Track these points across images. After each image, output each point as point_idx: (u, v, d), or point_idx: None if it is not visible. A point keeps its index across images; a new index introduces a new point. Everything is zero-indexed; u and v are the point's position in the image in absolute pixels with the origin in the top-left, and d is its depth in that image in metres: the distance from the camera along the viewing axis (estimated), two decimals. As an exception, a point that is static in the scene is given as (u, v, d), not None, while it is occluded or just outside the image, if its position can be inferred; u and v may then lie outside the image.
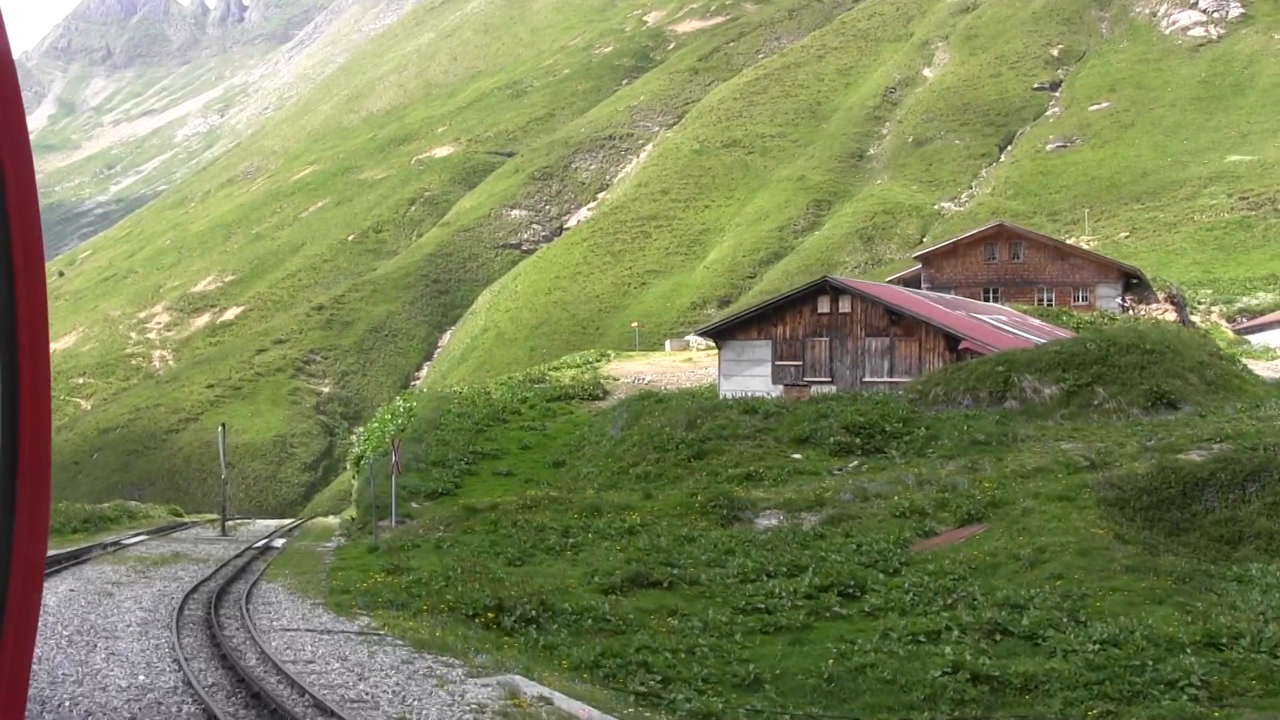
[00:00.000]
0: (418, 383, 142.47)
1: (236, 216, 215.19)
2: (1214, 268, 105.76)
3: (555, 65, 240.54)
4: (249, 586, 27.53)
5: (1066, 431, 41.91)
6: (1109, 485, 30.26)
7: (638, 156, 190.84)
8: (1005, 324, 59.48)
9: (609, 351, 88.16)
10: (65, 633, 20.53)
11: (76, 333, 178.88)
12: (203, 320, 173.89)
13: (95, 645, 19.34)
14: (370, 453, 60.38)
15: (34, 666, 15.68)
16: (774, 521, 33.44)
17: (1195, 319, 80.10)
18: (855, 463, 41.78)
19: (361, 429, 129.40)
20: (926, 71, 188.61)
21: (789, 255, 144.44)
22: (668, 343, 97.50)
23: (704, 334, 65.71)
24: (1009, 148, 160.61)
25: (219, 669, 17.68)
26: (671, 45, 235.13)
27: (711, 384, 61.04)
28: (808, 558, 28.32)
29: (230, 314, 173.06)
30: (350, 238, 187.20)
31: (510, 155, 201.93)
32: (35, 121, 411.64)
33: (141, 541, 41.99)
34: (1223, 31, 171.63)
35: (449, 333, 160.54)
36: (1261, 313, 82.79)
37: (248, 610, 23.28)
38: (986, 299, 74.78)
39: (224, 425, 56.16)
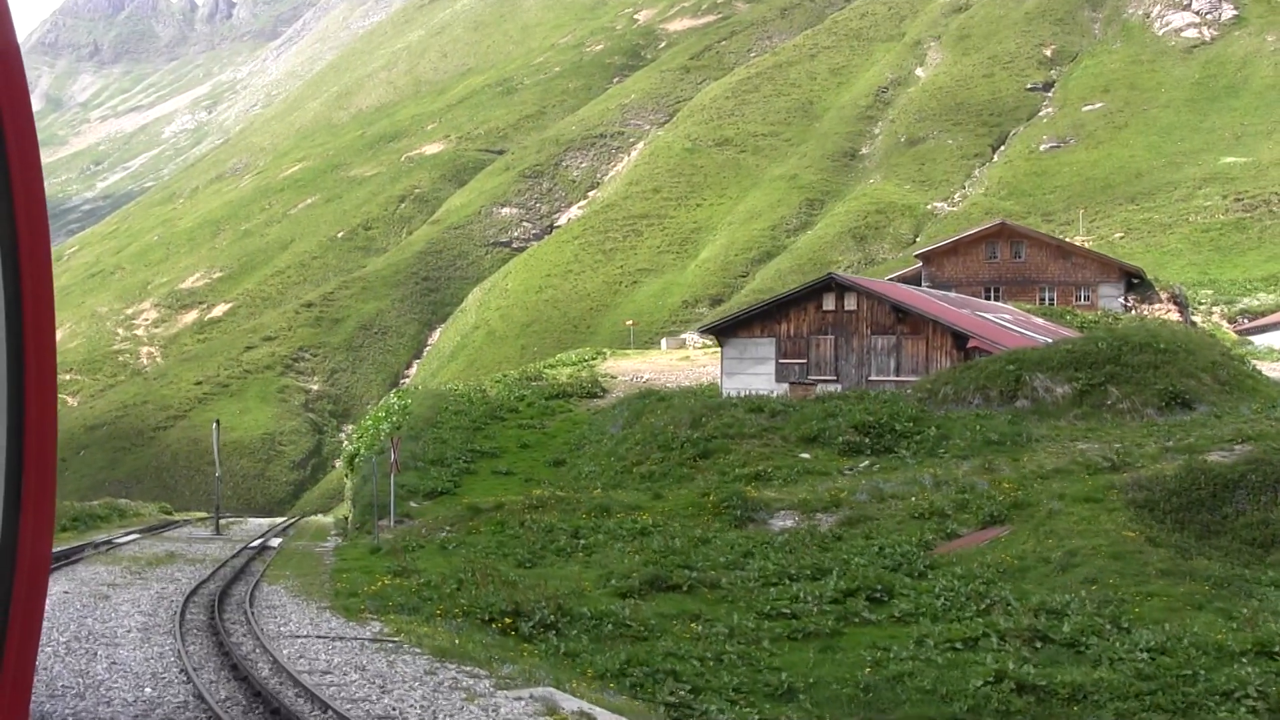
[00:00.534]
0: (407, 381, 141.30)
1: (225, 213, 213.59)
2: (1210, 269, 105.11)
3: (546, 63, 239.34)
4: (250, 589, 26.43)
5: (1081, 431, 41.11)
6: (1137, 487, 29.39)
7: (629, 155, 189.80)
8: (1010, 323, 58.68)
9: (604, 349, 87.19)
10: (62, 639, 19.46)
11: (63, 329, 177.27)
12: (191, 317, 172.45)
13: (95, 653, 18.27)
14: (364, 451, 59.42)
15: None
16: (789, 523, 32.53)
17: (1196, 319, 79.38)
18: (866, 462, 40.88)
19: (351, 427, 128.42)
20: (919, 71, 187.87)
21: (781, 254, 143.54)
22: (664, 341, 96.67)
23: (706, 331, 64.79)
24: (1002, 148, 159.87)
25: (230, 680, 16.61)
26: (663, 43, 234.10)
27: (711, 382, 60.19)
28: (829, 560, 27.41)
29: (218, 311, 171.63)
30: (340, 235, 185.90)
31: (501, 153, 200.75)
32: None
33: (134, 540, 40.92)
34: (1216, 33, 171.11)
35: (439, 330, 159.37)
36: (1263, 313, 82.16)
37: (252, 615, 22.23)
38: (988, 298, 73.99)
39: (218, 422, 54.94)
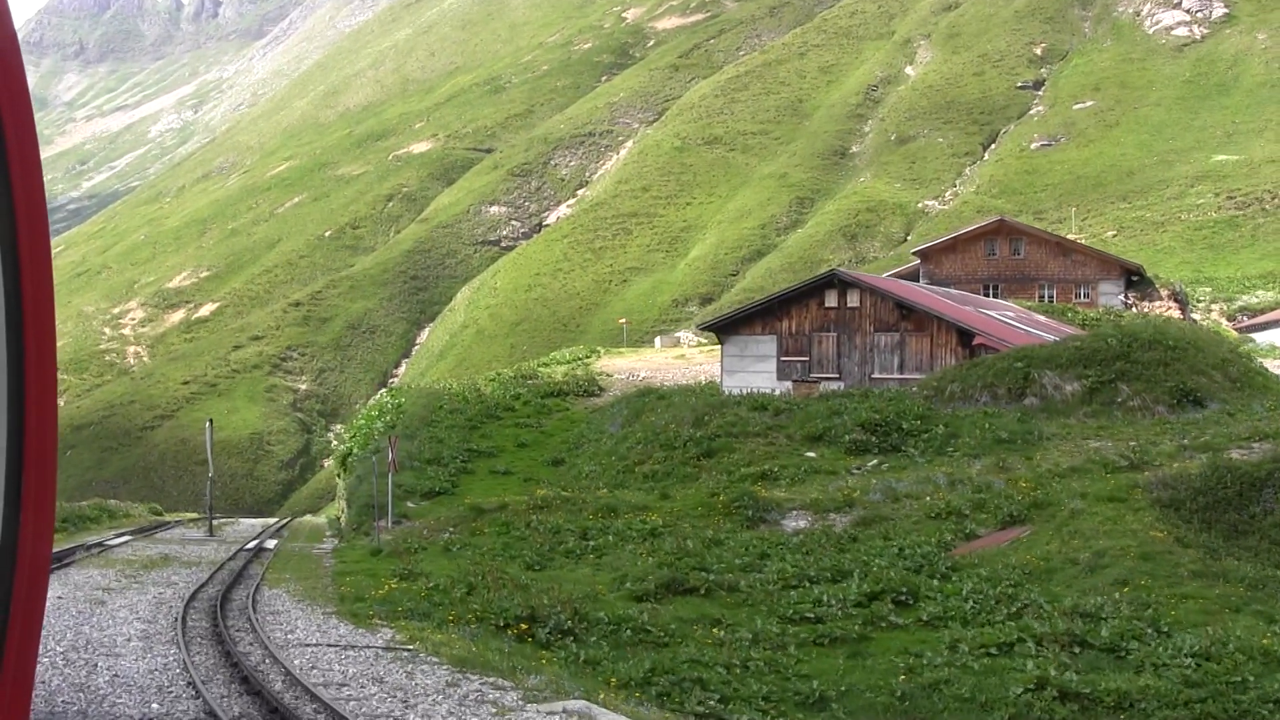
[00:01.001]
0: (395, 380, 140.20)
1: (212, 212, 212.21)
2: (1204, 267, 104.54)
3: (534, 61, 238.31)
4: (251, 593, 25.46)
5: (1092, 429, 40.39)
6: (1162, 485, 28.62)
7: (618, 153, 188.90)
8: (1014, 320, 57.96)
9: (598, 348, 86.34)
10: (60, 648, 18.47)
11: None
12: (178, 316, 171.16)
13: (96, 664, 17.29)
14: (358, 450, 58.50)
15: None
16: (802, 523, 31.71)
17: (1195, 317, 78.73)
18: (874, 461, 40.08)
19: (340, 426, 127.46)
20: (909, 69, 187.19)
21: (772, 253, 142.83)
22: (657, 339, 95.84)
23: (706, 328, 63.92)
24: (993, 146, 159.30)
25: (243, 695, 15.60)
26: (651, 42, 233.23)
27: (709, 381, 59.39)
28: (848, 562, 26.59)
29: (206, 310, 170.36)
30: (327, 234, 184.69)
31: (489, 151, 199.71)
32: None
33: (126, 542, 39.92)
34: (1206, 31, 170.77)
35: (427, 330, 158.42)
36: (1261, 311, 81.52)
37: (257, 622, 21.28)
38: (987, 295, 73.23)
39: (211, 421, 53.92)
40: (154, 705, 14.67)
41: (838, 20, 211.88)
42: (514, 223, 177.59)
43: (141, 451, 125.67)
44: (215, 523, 51.79)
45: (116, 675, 16.49)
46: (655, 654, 20.27)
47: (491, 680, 16.49)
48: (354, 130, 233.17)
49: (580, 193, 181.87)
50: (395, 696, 15.26)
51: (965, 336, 49.90)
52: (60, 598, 24.42)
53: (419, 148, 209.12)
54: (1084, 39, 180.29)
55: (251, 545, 40.21)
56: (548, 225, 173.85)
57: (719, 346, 58.22)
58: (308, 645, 19.42)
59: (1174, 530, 26.53)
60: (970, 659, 20.00)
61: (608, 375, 68.60)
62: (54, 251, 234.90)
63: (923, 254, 79.62)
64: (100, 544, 38.46)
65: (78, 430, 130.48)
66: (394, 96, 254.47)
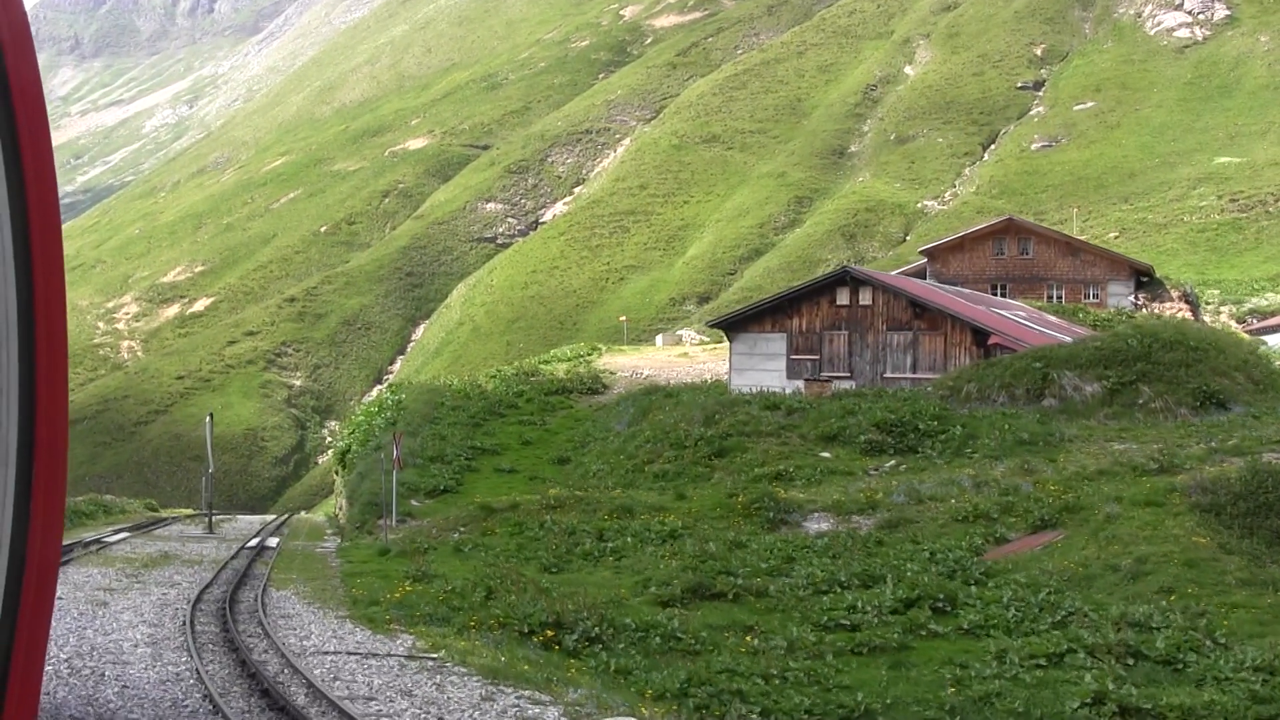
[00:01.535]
0: (391, 377, 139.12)
1: (207, 207, 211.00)
2: (1207, 269, 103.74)
3: (531, 58, 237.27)
4: (259, 595, 24.41)
5: (1114, 431, 39.52)
6: (1200, 490, 27.66)
7: (615, 151, 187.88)
8: (1026, 320, 57.06)
9: (599, 345, 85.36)
10: (64, 655, 17.39)
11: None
12: (172, 311, 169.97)
13: (103, 674, 16.22)
14: (357, 447, 57.53)
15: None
16: (825, 525, 30.76)
17: (1205, 318, 77.85)
18: (891, 462, 39.17)
19: (335, 423, 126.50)
20: (908, 69, 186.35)
21: (770, 252, 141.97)
22: (659, 337, 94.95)
23: (715, 325, 62.97)
24: (993, 146, 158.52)
25: (265, 710, 14.51)
26: (649, 40, 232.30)
27: (714, 379, 58.55)
28: (879, 566, 25.62)
29: (200, 305, 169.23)
30: (322, 229, 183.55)
31: (485, 148, 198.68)
32: None
33: (125, 540, 38.88)
34: (1208, 33, 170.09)
35: (423, 326, 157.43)
36: (1272, 313, 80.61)
37: (269, 626, 20.25)
38: (994, 295, 72.34)
39: (211, 415, 52.86)
40: (169, 721, 13.65)
41: (836, 19, 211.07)
42: (510, 220, 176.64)
43: (135, 446, 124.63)
44: (213, 519, 50.71)
45: (126, 686, 15.44)
46: (689, 663, 19.31)
47: (528, 694, 15.46)
48: (350, 126, 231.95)
49: (577, 190, 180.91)
50: (429, 712, 14.22)
51: (980, 336, 48.99)
52: (61, 598, 23.39)
53: (415, 144, 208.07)
54: (1084, 40, 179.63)
55: (253, 543, 39.19)
56: (544, 223, 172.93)
57: (723, 344, 57.35)
58: (326, 653, 18.39)
59: (1216, 536, 25.59)
60: (1021, 670, 19.05)
61: (610, 373, 67.66)
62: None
63: (930, 253, 78.73)
64: (98, 541, 37.44)
65: (71, 425, 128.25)
66: (390, 92, 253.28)
